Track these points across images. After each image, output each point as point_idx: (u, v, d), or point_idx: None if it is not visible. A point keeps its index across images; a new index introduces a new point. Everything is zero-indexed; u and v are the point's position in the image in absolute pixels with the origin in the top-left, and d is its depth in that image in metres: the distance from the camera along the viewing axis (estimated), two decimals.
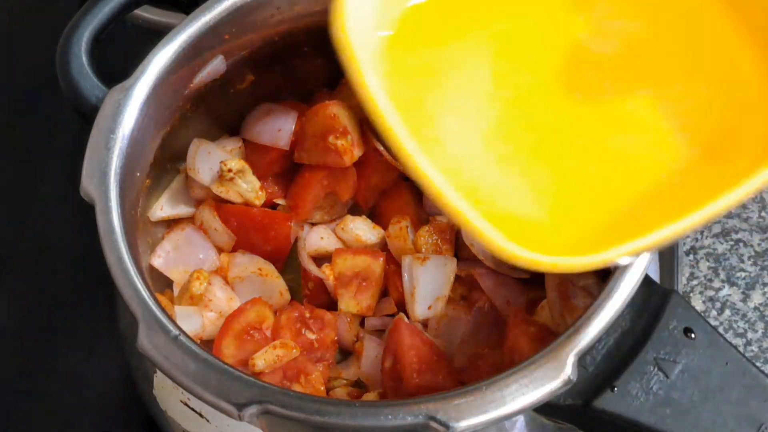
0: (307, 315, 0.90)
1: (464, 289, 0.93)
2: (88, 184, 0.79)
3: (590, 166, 0.70)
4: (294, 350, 0.86)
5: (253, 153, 0.98)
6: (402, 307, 0.92)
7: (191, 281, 0.90)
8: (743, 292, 1.10)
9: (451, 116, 0.72)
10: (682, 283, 1.08)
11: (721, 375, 0.73)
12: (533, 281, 0.92)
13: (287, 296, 0.93)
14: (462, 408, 0.68)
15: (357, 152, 0.95)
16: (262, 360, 0.85)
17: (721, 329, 1.08)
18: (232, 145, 0.98)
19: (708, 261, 1.12)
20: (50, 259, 1.09)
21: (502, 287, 0.91)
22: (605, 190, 0.69)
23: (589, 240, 0.67)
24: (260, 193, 0.96)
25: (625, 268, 0.73)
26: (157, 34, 0.86)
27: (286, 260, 0.97)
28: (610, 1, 0.75)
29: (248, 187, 0.95)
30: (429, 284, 0.91)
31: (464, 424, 0.68)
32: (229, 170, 0.93)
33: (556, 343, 0.71)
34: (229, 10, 0.87)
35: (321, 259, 0.96)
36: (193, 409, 0.82)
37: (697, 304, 1.10)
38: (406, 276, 0.91)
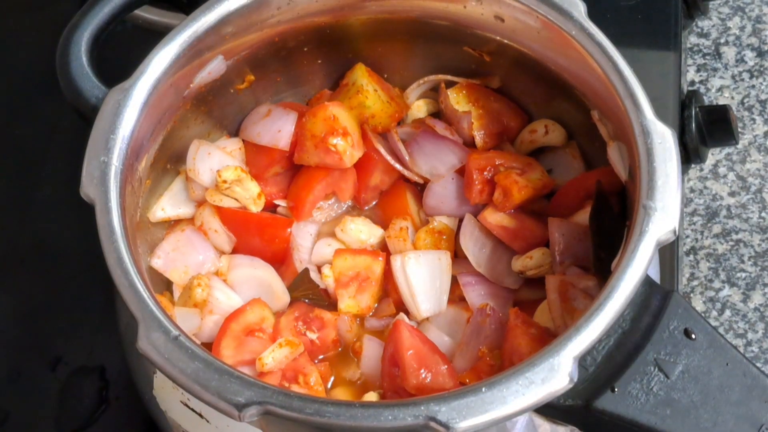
0: (308, 315, 0.90)
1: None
2: (88, 185, 0.79)
3: None
4: (300, 346, 0.87)
5: (253, 154, 0.98)
6: (402, 308, 0.92)
7: (193, 288, 0.90)
8: (743, 293, 1.11)
9: None
10: (682, 284, 1.08)
11: (721, 376, 0.73)
12: (529, 285, 0.92)
13: (287, 297, 0.93)
14: (462, 408, 0.68)
15: (357, 153, 0.95)
16: (270, 358, 0.85)
17: (721, 330, 1.08)
18: (232, 146, 0.98)
19: (708, 261, 1.12)
20: (50, 259, 1.09)
21: (488, 298, 0.91)
22: None
23: None
24: (258, 200, 0.95)
25: (625, 268, 0.73)
26: (157, 34, 0.86)
27: (286, 261, 0.97)
28: None
29: (246, 195, 0.95)
30: (426, 280, 0.91)
31: (464, 424, 0.68)
32: (224, 181, 0.93)
33: (556, 344, 0.71)
34: (229, 10, 0.87)
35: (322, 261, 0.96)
36: (193, 410, 0.82)
37: (698, 304, 1.10)
38: (400, 278, 0.91)
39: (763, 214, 1.15)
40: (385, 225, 0.96)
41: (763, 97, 1.23)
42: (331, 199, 0.99)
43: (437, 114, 1.01)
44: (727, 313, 1.10)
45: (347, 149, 0.94)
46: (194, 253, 0.94)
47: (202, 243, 0.94)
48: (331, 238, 0.96)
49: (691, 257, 1.13)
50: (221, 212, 0.95)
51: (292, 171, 0.98)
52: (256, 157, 0.98)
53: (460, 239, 0.94)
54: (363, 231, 0.95)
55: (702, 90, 1.23)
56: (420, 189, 0.98)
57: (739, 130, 1.19)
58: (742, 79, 1.24)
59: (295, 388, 0.85)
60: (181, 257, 0.93)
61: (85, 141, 0.81)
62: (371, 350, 0.90)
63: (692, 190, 1.17)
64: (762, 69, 1.25)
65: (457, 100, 0.99)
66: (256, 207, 0.96)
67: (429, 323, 0.91)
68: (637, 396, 0.72)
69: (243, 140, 0.99)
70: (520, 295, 0.93)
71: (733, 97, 1.23)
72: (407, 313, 0.92)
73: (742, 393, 0.72)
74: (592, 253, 0.87)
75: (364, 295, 0.93)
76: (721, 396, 0.72)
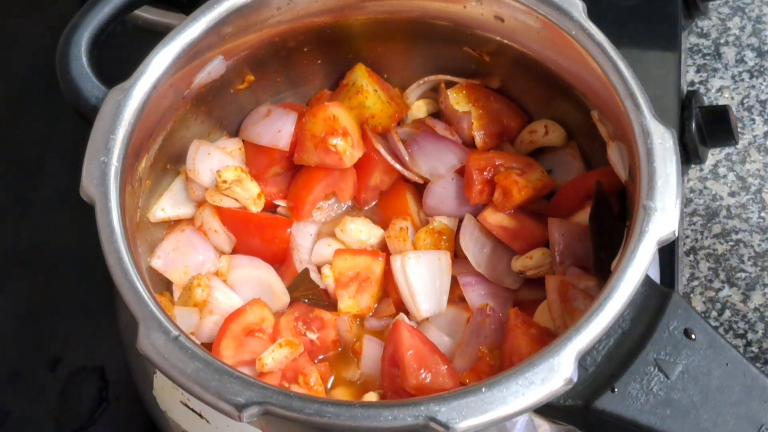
0: (308, 315, 0.90)
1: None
2: (88, 185, 0.79)
3: None
4: (300, 346, 0.87)
5: (253, 154, 0.98)
6: (402, 308, 0.92)
7: (193, 288, 0.90)
8: (743, 293, 1.11)
9: None
10: (682, 284, 1.08)
11: (721, 376, 0.73)
12: (529, 285, 0.92)
13: (287, 298, 0.93)
14: (462, 408, 0.68)
15: (357, 153, 0.95)
16: (270, 358, 0.85)
17: (721, 330, 1.08)
18: (232, 146, 0.98)
19: (708, 261, 1.12)
20: (50, 259, 1.09)
21: (488, 298, 0.91)
22: None
23: None
24: (258, 201, 0.95)
25: (625, 269, 0.73)
26: (157, 34, 0.86)
27: (286, 261, 0.97)
28: None
29: (245, 195, 0.95)
30: (426, 280, 0.91)
31: (464, 424, 0.68)
32: (224, 181, 0.93)
33: (556, 344, 0.71)
34: (229, 10, 0.87)
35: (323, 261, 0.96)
36: (193, 410, 0.82)
37: (698, 304, 1.10)
38: (400, 278, 0.91)
39: (762, 214, 1.15)
40: (385, 225, 0.96)
41: (763, 97, 1.23)
42: (331, 199, 0.99)
43: (437, 114, 1.01)
44: (727, 313, 1.09)
45: (347, 149, 0.94)
46: (194, 254, 0.94)
47: (202, 243, 0.94)
48: (331, 238, 0.96)
49: (691, 257, 1.13)
50: (221, 212, 0.95)
51: (292, 171, 0.98)
52: (256, 158, 0.98)
53: (460, 239, 0.94)
54: (363, 231, 0.95)
55: (702, 90, 1.23)
56: (420, 189, 0.98)
57: (739, 130, 1.19)
58: (742, 80, 1.24)
59: (295, 388, 0.85)
60: (181, 257, 0.93)
61: (85, 141, 0.81)
62: (371, 350, 0.90)
63: (692, 191, 1.17)
64: (762, 69, 1.25)
65: (457, 100, 0.99)
66: (256, 207, 0.96)
67: (429, 323, 0.91)
68: (637, 396, 0.72)
69: (243, 140, 0.99)
70: (520, 295, 0.93)
71: (733, 98, 1.23)
72: (407, 313, 0.92)
73: (742, 393, 0.72)
74: (592, 253, 0.87)
75: (364, 295, 0.93)
76: (721, 396, 0.72)
